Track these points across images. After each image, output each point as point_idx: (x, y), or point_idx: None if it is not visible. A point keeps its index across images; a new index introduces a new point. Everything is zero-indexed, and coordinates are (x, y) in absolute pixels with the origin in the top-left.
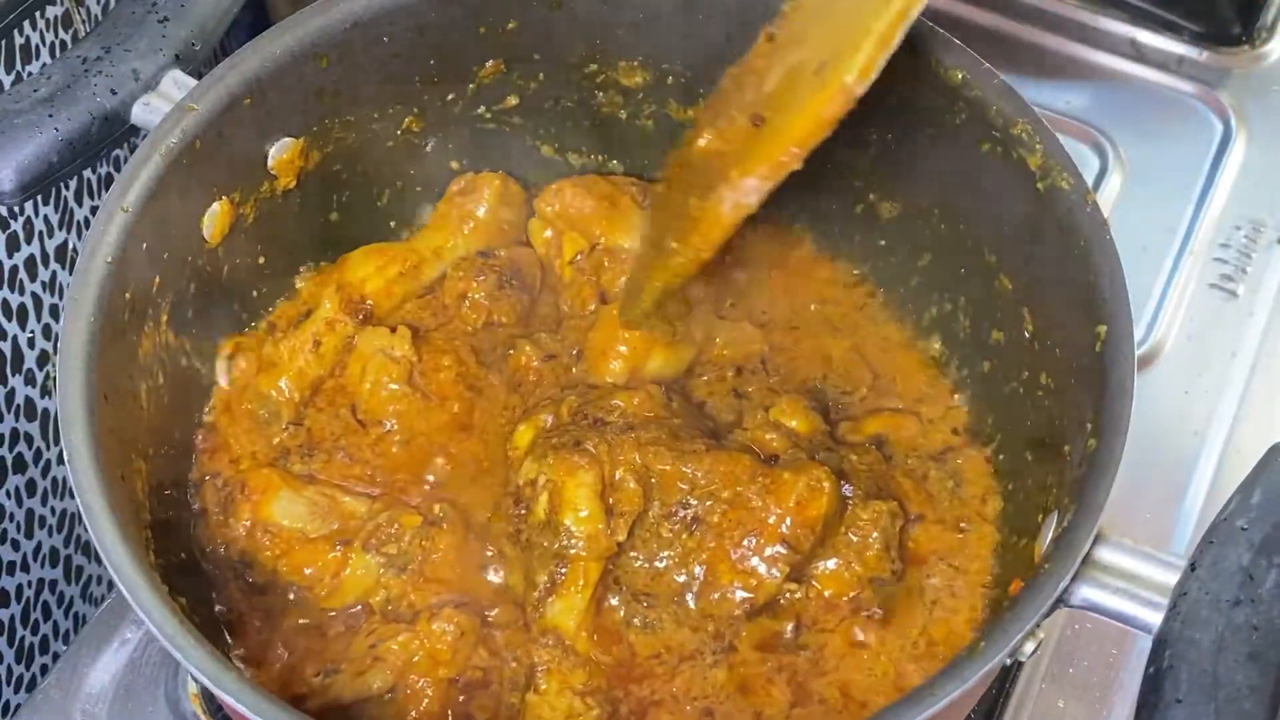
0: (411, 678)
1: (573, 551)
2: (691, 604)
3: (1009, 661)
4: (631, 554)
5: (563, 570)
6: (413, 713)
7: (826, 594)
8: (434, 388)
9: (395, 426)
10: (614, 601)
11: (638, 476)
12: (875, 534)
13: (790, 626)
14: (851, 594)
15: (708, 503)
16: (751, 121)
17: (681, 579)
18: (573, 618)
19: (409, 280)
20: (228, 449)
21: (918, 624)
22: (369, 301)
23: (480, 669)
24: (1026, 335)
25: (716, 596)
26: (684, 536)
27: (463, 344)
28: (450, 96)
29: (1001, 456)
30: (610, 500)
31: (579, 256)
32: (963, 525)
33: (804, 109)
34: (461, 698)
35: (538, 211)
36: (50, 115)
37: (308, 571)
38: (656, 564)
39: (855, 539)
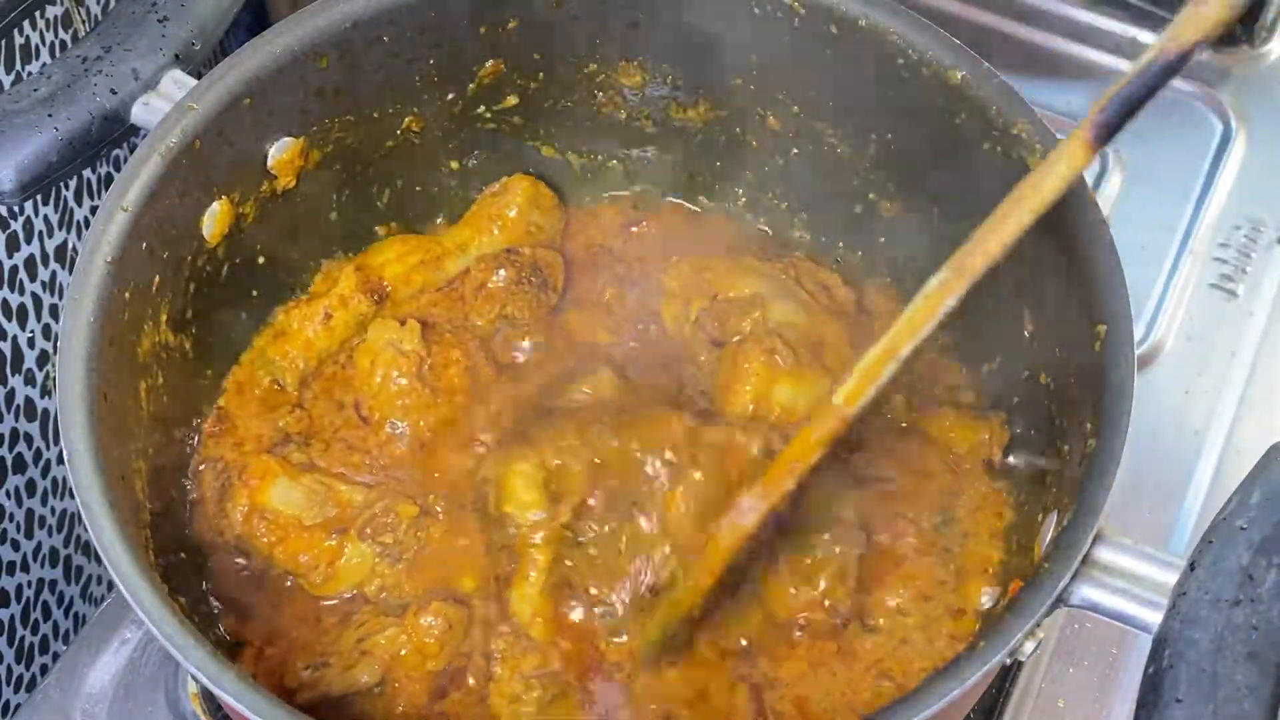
0: (399, 671)
1: (516, 540)
2: (645, 589)
3: (1009, 661)
4: (584, 548)
5: (513, 562)
6: (400, 706)
7: (774, 611)
8: (442, 383)
9: (404, 427)
10: (575, 605)
11: (581, 460)
12: (829, 556)
13: (743, 641)
14: (803, 616)
15: (655, 465)
16: (763, 455)
17: (635, 566)
18: (528, 605)
19: (430, 270)
20: (234, 432)
21: (876, 654)
22: (386, 285)
23: (468, 656)
24: (1026, 335)
25: (665, 570)
26: (630, 524)
27: (471, 339)
28: (450, 96)
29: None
30: (553, 487)
31: (701, 313)
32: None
33: (803, 434)
34: (450, 689)
35: (665, 290)
36: (50, 115)
37: (303, 559)
38: (608, 558)
39: (808, 560)
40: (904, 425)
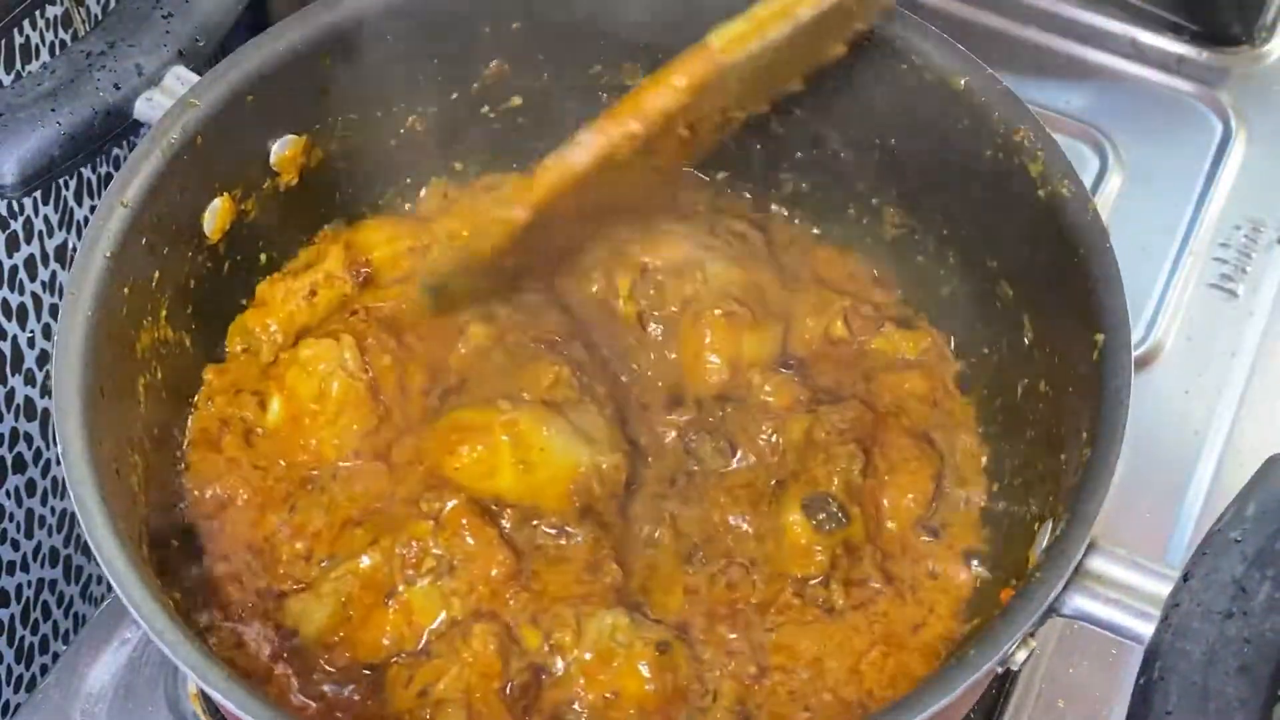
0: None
1: None
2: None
3: (1000, 670)
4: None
5: None
6: None
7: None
8: (384, 393)
9: (345, 443)
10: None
11: None
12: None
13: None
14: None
15: None
16: None
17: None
18: None
19: (418, 257)
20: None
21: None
22: (371, 266)
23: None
24: (1026, 342)
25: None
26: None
27: (395, 343)
28: (454, 96)
29: (999, 461)
30: None
31: (634, 288)
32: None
33: (664, 70)
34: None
35: (584, 274)
36: (53, 109)
37: (386, 641)
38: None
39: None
40: (854, 349)
